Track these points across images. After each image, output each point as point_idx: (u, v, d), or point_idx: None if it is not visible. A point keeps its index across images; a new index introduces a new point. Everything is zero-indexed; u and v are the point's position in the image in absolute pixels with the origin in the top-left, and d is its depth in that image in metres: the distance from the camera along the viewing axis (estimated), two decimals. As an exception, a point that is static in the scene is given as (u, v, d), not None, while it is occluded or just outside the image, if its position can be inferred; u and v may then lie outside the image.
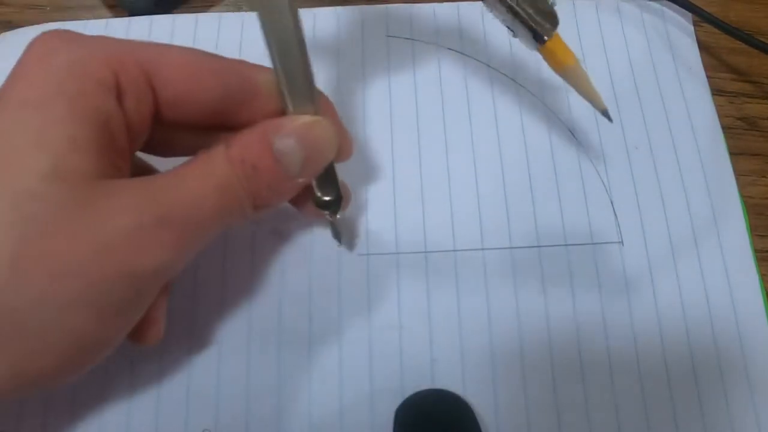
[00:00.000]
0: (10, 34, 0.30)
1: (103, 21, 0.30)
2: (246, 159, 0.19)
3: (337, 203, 0.23)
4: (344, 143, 0.22)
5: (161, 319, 0.22)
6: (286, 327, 0.24)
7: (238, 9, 0.32)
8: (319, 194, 0.23)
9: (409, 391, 0.23)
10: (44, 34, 0.19)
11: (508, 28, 0.23)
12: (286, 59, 0.20)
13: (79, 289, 0.17)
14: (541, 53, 0.23)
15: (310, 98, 0.21)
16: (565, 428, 0.23)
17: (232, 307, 0.25)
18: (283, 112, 0.21)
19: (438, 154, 0.28)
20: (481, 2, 0.23)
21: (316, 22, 0.30)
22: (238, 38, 0.30)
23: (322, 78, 0.29)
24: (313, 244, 0.26)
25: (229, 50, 0.29)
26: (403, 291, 0.25)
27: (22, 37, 0.30)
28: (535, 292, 0.25)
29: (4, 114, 0.18)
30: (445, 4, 0.31)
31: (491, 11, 0.23)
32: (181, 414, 0.23)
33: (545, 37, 0.22)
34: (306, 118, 0.20)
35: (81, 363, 0.19)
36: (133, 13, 0.31)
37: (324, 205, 0.23)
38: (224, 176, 0.19)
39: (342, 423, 0.23)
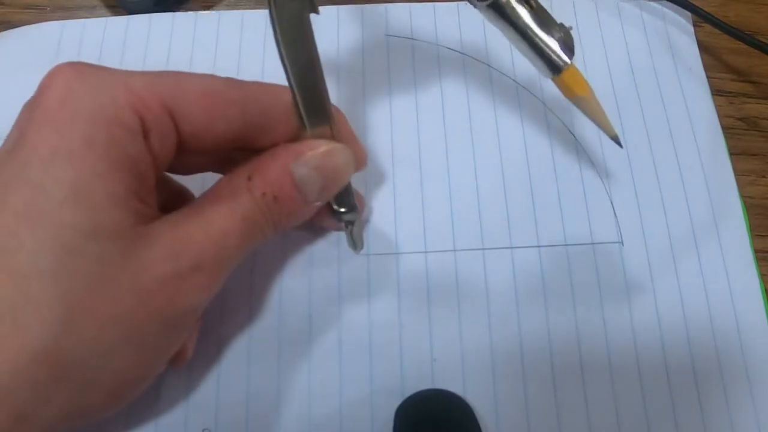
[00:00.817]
0: (9, 34, 0.30)
1: (102, 20, 0.30)
2: (268, 192, 0.20)
3: (353, 213, 0.24)
4: (358, 156, 0.23)
5: (191, 344, 0.23)
6: (286, 327, 0.24)
7: (238, 8, 0.31)
8: (335, 207, 0.23)
9: (409, 391, 0.23)
10: (60, 69, 0.19)
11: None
12: (302, 82, 0.20)
13: (123, 335, 0.18)
14: (554, 82, 0.23)
15: (326, 118, 0.21)
16: (565, 428, 0.23)
17: (232, 308, 0.25)
18: (300, 131, 0.21)
19: (438, 153, 0.28)
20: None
21: (315, 21, 0.30)
22: (237, 37, 0.30)
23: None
24: (313, 244, 0.26)
25: (228, 49, 0.30)
26: (403, 291, 0.25)
27: (22, 36, 0.30)
28: (535, 292, 0.25)
29: (35, 163, 0.17)
30: (445, 3, 0.31)
31: (506, 37, 0.22)
32: (181, 413, 0.23)
33: (561, 68, 0.22)
34: (324, 147, 0.21)
35: (124, 397, 0.20)
36: (132, 12, 0.31)
37: (340, 216, 0.24)
38: (248, 210, 0.20)
39: (342, 423, 0.23)
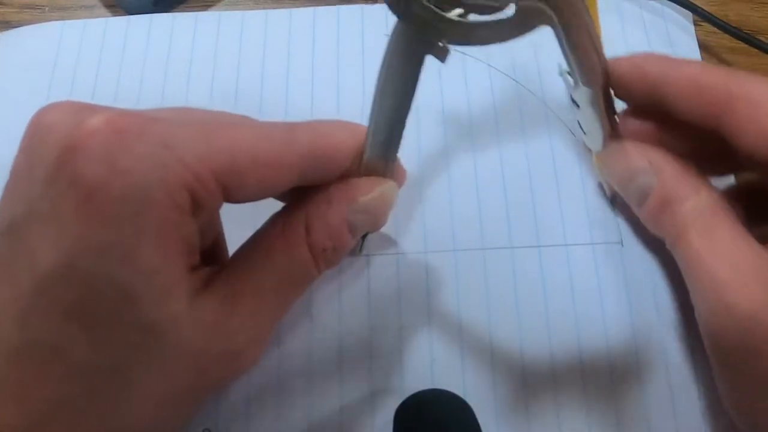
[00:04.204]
0: (7, 34, 0.30)
1: (102, 20, 0.30)
2: (328, 245, 0.20)
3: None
4: (401, 182, 0.23)
5: None
6: (286, 327, 0.24)
7: (237, 8, 0.31)
8: None
9: (409, 391, 0.23)
10: (97, 130, 0.16)
11: (580, 127, 0.24)
12: (382, 120, 0.20)
13: (176, 406, 0.19)
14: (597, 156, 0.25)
15: (388, 156, 0.21)
16: (565, 428, 0.23)
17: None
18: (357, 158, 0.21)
19: (438, 153, 0.28)
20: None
21: (315, 21, 0.30)
22: (237, 37, 0.30)
23: (322, 77, 0.29)
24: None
25: (228, 49, 0.30)
26: (403, 291, 0.25)
27: (22, 36, 0.30)
28: (535, 292, 0.25)
29: (82, 258, 0.15)
30: (444, 3, 0.31)
31: (581, 114, 0.23)
32: (180, 414, 0.23)
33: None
34: (378, 189, 0.21)
35: None
36: (131, 12, 0.31)
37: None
38: (307, 268, 0.20)
39: (342, 423, 0.23)
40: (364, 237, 0.24)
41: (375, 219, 0.21)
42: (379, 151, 0.21)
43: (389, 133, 0.20)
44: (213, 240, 0.22)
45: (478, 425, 0.22)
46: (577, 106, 0.23)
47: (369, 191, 0.20)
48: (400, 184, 0.23)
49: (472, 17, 0.17)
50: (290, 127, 0.19)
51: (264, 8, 0.31)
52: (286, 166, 0.18)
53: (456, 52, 0.29)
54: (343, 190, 0.20)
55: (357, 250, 0.25)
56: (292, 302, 0.20)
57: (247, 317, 0.18)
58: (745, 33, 0.29)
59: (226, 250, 0.23)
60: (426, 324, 0.24)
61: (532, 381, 0.24)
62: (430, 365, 0.24)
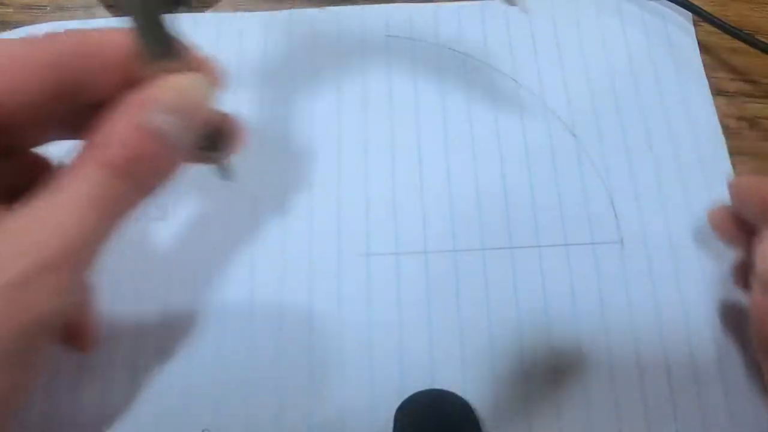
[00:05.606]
0: (8, 34, 0.30)
1: (102, 21, 0.30)
2: (131, 155, 0.18)
3: (223, 151, 0.21)
4: (212, 76, 0.20)
5: (94, 325, 0.22)
6: (286, 327, 0.24)
7: (236, 10, 0.31)
8: (205, 148, 0.21)
9: (409, 391, 0.23)
10: None
11: None
12: (143, 15, 0.18)
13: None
14: None
15: (169, 50, 0.19)
16: (566, 428, 0.23)
17: (231, 308, 0.25)
18: (145, 70, 0.19)
19: (438, 153, 0.28)
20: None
21: (315, 22, 0.30)
22: (237, 38, 0.30)
23: (322, 77, 0.29)
24: (312, 245, 0.26)
25: (228, 50, 0.30)
26: (403, 291, 0.25)
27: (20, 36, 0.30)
28: (535, 292, 0.25)
29: None
30: (445, 4, 0.31)
31: None
32: (180, 414, 0.23)
33: None
34: (173, 84, 0.19)
35: None
36: (131, 12, 0.31)
37: (210, 155, 0.21)
38: (101, 185, 0.17)
39: (342, 423, 0.23)
40: (227, 160, 0.22)
41: (187, 118, 0.19)
42: (154, 46, 0.19)
43: (151, 27, 0.19)
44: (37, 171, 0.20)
45: (478, 425, 0.22)
46: None
47: (166, 88, 0.19)
48: (211, 77, 0.20)
49: None
50: (51, 35, 0.18)
51: (264, 9, 0.31)
52: (40, 65, 0.17)
53: (456, 53, 0.30)
54: (137, 96, 0.18)
55: (226, 174, 0.23)
56: (98, 234, 0.18)
57: (34, 240, 0.16)
58: (745, 33, 0.29)
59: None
60: (426, 324, 0.24)
61: (532, 381, 0.24)
62: (430, 365, 0.24)
